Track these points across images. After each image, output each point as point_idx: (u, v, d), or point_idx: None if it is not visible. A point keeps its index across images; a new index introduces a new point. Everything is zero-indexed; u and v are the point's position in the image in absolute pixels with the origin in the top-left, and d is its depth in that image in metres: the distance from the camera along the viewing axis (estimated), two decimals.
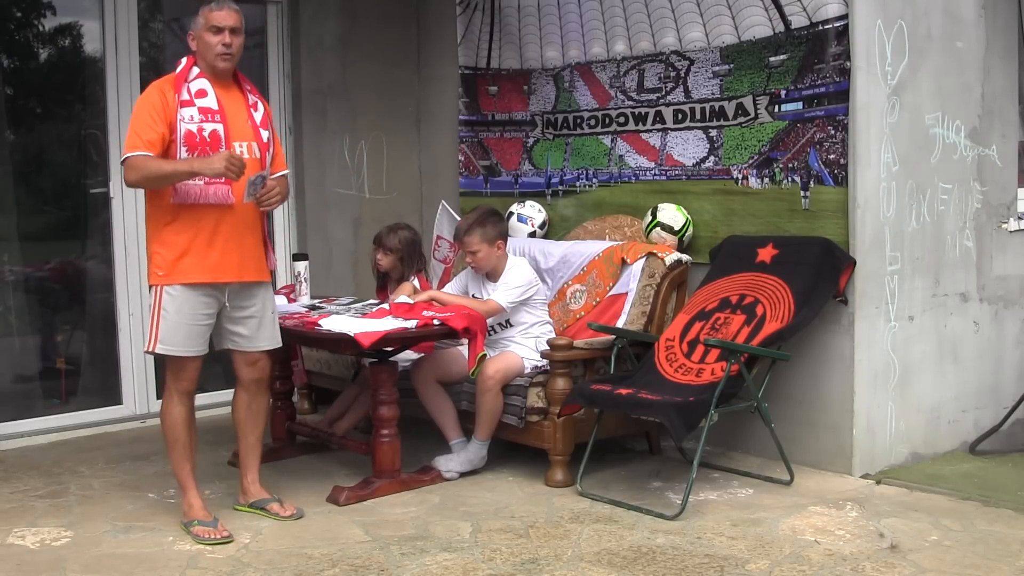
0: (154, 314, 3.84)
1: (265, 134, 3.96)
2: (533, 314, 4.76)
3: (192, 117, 3.78)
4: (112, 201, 5.59)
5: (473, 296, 4.79)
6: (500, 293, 4.66)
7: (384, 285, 5.18)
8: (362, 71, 6.34)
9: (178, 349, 3.86)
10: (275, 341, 4.09)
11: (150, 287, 3.89)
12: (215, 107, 3.83)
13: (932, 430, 4.79)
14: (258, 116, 3.96)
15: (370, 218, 6.27)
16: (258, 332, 4.01)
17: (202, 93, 3.83)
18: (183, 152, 3.77)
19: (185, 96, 3.80)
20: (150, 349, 3.87)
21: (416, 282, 5.01)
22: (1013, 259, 5.08)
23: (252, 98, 3.99)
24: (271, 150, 3.99)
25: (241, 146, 3.86)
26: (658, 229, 4.96)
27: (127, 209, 5.61)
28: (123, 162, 3.79)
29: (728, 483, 4.46)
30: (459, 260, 5.58)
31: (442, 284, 5.28)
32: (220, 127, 3.82)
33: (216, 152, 3.77)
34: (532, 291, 4.72)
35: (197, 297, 3.84)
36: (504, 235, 4.78)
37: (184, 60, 3.91)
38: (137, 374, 5.69)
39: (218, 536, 3.79)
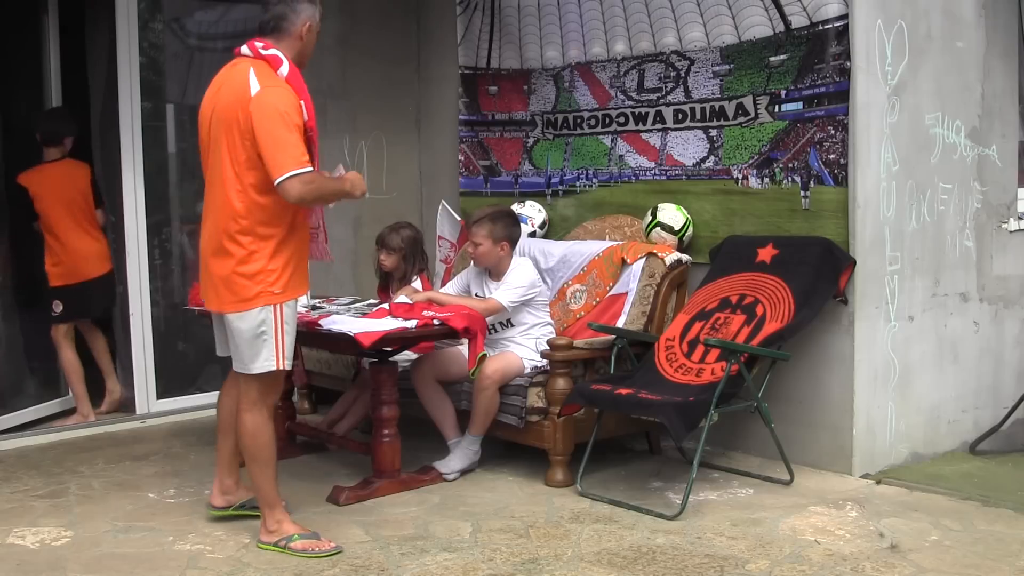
0: (278, 332, 3.61)
1: None
2: (535, 315, 4.75)
3: (312, 127, 3.59)
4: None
5: (476, 295, 4.79)
6: (502, 292, 4.66)
7: (386, 285, 5.16)
8: (362, 71, 6.34)
9: (290, 362, 3.73)
10: None
11: (260, 307, 3.58)
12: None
13: (932, 430, 4.79)
14: None
15: (370, 218, 6.27)
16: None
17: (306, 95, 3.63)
18: None
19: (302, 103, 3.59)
20: (282, 367, 3.66)
21: (419, 283, 5.00)
22: (1013, 259, 5.08)
23: None
24: None
25: None
26: (658, 229, 4.96)
27: (127, 209, 5.61)
28: (292, 177, 3.45)
29: (728, 483, 4.46)
30: (460, 259, 5.58)
31: (443, 284, 5.28)
32: (314, 133, 3.64)
33: (350, 176, 3.75)
34: (534, 292, 4.72)
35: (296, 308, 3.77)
36: (511, 239, 4.74)
37: (277, 54, 3.58)
38: (137, 374, 5.69)
39: (329, 548, 3.64)
